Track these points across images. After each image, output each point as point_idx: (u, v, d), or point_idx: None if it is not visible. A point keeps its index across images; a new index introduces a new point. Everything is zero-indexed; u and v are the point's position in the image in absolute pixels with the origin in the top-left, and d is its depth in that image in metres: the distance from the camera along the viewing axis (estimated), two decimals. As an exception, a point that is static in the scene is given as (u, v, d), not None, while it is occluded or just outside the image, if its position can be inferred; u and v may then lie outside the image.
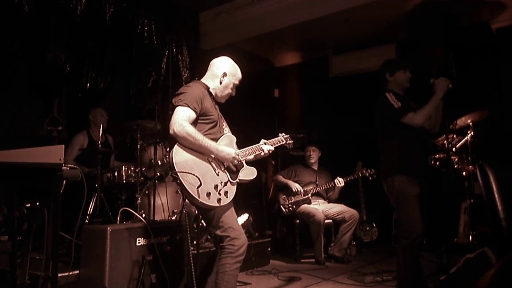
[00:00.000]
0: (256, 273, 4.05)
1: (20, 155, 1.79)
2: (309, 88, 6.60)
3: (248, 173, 2.63)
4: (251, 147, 2.71)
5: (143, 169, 4.04)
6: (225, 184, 2.47)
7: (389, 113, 2.88)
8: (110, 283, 2.60)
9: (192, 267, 2.56)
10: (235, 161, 2.51)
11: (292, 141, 2.94)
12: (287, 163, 5.53)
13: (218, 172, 2.47)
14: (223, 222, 2.43)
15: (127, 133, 4.66)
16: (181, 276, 3.00)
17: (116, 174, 3.94)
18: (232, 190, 2.50)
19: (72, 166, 1.97)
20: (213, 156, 2.47)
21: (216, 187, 2.40)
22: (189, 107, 2.39)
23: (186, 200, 3.48)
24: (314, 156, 5.12)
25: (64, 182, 2.45)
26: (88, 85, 4.63)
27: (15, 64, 4.23)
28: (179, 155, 2.35)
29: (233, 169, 2.53)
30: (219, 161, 2.51)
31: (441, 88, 2.80)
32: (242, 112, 5.54)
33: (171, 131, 2.37)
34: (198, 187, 2.31)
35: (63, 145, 1.92)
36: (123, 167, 3.96)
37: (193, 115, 2.41)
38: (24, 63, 4.33)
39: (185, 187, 2.29)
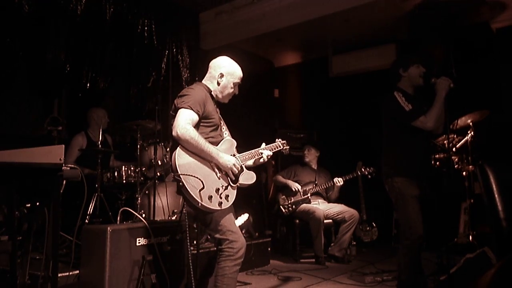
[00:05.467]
0: (256, 273, 4.05)
1: (20, 155, 1.78)
2: (309, 88, 6.59)
3: (248, 178, 2.64)
4: (250, 151, 2.73)
5: (143, 169, 4.04)
6: (226, 188, 2.48)
7: (399, 116, 2.83)
8: (110, 283, 2.60)
9: (191, 267, 2.56)
10: (234, 169, 2.51)
11: (288, 147, 2.98)
12: (287, 163, 5.52)
13: (220, 176, 2.48)
14: (221, 225, 2.43)
15: (127, 133, 4.65)
16: (181, 276, 2.99)
17: (116, 174, 3.94)
18: (232, 194, 2.51)
19: (72, 166, 1.97)
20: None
21: (217, 190, 2.42)
22: (192, 109, 2.40)
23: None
24: (308, 155, 5.13)
25: (64, 182, 2.46)
26: (88, 85, 4.63)
27: (15, 64, 4.23)
28: (182, 158, 2.36)
29: (232, 177, 2.53)
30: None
31: (443, 88, 2.77)
32: (242, 112, 5.54)
33: (174, 134, 2.38)
34: (200, 190, 2.31)
35: (63, 145, 1.91)
36: (123, 167, 3.95)
37: (196, 118, 2.42)
38: (24, 63, 4.32)
39: (187, 190, 2.29)
